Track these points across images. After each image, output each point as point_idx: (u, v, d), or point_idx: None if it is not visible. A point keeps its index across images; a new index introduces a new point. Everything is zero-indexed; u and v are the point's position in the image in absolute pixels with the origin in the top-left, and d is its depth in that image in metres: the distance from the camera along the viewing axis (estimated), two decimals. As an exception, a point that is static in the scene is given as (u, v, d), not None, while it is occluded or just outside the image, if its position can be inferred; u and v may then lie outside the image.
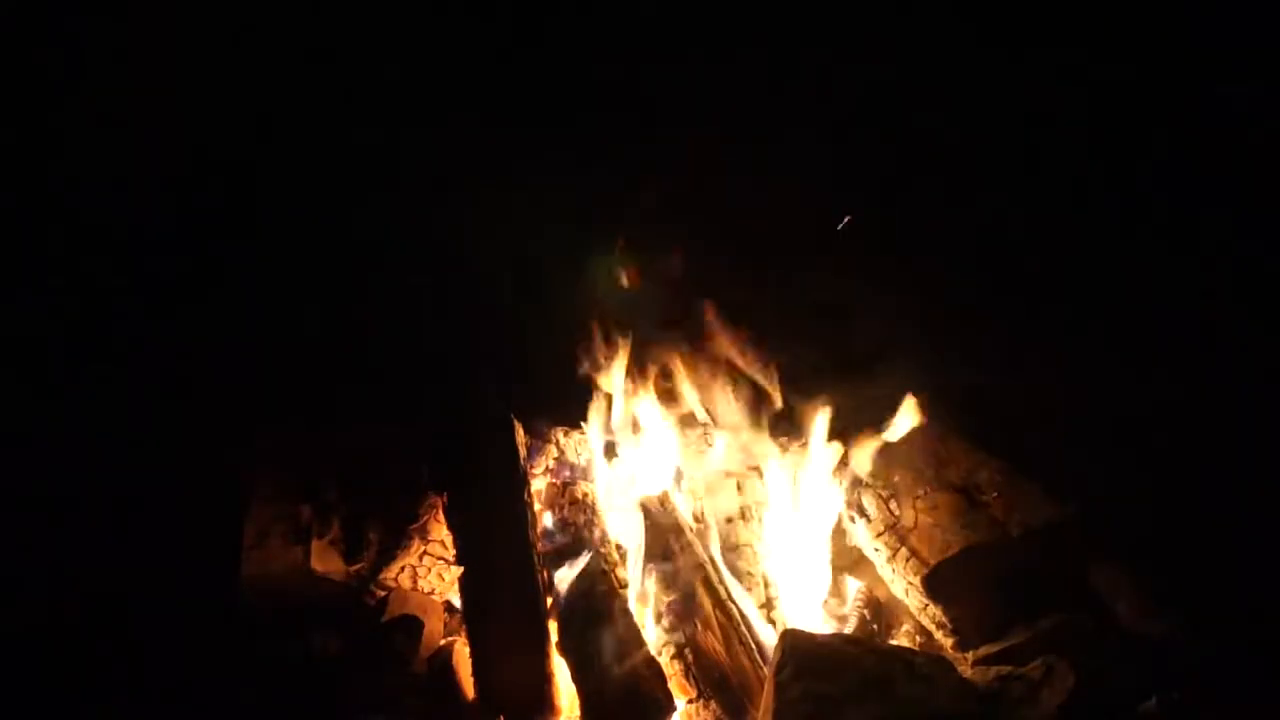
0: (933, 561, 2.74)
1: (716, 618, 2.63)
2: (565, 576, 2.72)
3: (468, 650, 2.66)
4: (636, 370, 3.21)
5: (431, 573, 2.98)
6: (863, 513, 2.97)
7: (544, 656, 2.55)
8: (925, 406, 3.06)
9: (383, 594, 2.92)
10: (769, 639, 2.70)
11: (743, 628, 2.64)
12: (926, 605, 2.77)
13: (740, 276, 3.46)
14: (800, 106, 3.57)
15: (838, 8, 3.53)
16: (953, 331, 3.29)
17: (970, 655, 2.66)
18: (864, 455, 3.05)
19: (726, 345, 3.26)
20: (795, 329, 3.33)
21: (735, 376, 3.26)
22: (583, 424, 3.26)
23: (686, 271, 3.45)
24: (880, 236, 3.60)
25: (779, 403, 3.19)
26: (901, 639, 2.89)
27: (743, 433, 3.18)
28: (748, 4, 3.61)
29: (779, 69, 3.58)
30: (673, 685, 2.47)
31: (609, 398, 3.25)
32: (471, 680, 2.60)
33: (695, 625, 2.61)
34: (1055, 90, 3.44)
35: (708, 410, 3.27)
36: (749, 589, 2.88)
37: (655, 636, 2.65)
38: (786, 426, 3.14)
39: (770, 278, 3.51)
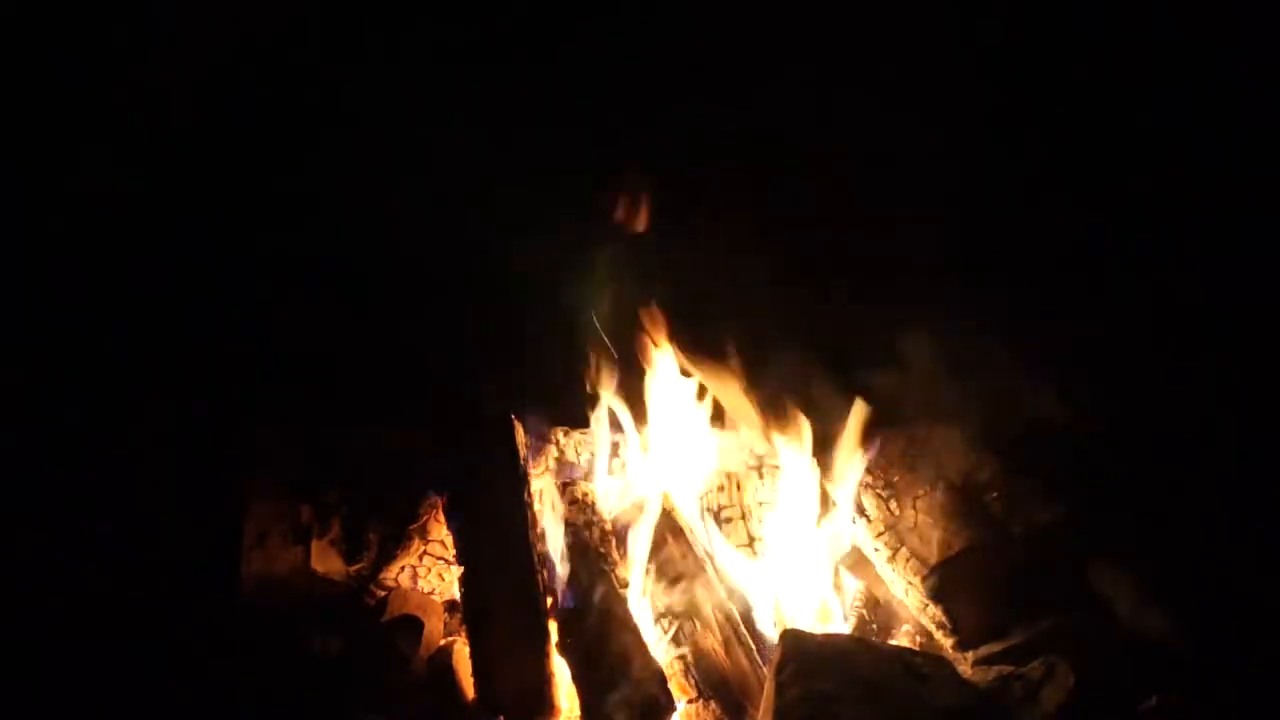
0: (933, 561, 2.73)
1: (716, 618, 2.63)
2: (565, 576, 2.72)
3: (468, 650, 2.66)
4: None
5: (431, 573, 2.98)
6: (863, 513, 2.97)
7: (544, 656, 2.55)
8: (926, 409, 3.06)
9: (383, 594, 2.92)
10: (769, 639, 2.70)
11: (742, 627, 2.64)
12: (926, 605, 2.77)
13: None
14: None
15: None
16: (955, 333, 3.28)
17: (970, 655, 2.65)
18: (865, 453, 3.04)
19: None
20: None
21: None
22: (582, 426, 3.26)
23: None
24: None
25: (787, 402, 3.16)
26: (901, 639, 2.89)
27: (746, 430, 3.18)
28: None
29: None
30: (673, 685, 2.46)
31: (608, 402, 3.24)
32: (471, 680, 2.59)
33: (695, 625, 2.61)
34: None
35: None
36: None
37: (655, 637, 2.65)
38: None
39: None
